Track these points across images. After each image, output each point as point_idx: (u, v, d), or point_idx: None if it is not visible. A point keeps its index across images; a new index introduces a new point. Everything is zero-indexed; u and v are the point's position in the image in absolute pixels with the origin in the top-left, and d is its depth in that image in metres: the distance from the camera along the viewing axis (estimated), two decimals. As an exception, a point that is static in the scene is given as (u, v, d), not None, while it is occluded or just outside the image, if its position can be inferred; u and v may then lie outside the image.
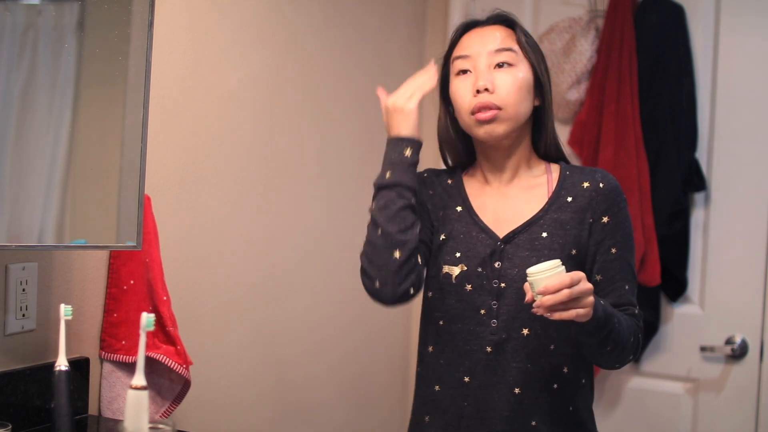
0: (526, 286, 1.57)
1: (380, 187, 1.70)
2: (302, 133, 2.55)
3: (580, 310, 1.54)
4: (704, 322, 2.76)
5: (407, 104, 1.72)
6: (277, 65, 2.43)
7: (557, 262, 1.55)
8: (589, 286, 1.56)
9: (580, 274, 1.55)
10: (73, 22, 1.72)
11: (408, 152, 1.70)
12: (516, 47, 1.75)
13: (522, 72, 1.74)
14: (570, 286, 1.52)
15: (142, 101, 1.77)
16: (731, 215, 2.72)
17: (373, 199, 1.71)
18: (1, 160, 1.64)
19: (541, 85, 1.76)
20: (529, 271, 1.56)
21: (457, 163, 1.87)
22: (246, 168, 2.35)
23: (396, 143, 1.71)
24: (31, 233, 1.70)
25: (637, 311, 1.75)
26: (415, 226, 1.68)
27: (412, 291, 1.68)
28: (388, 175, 1.70)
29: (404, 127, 1.71)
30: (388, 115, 1.74)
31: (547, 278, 1.53)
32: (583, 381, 1.79)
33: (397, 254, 1.65)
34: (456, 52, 1.79)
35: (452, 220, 1.77)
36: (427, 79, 1.76)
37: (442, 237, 1.76)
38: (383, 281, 1.66)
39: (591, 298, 1.56)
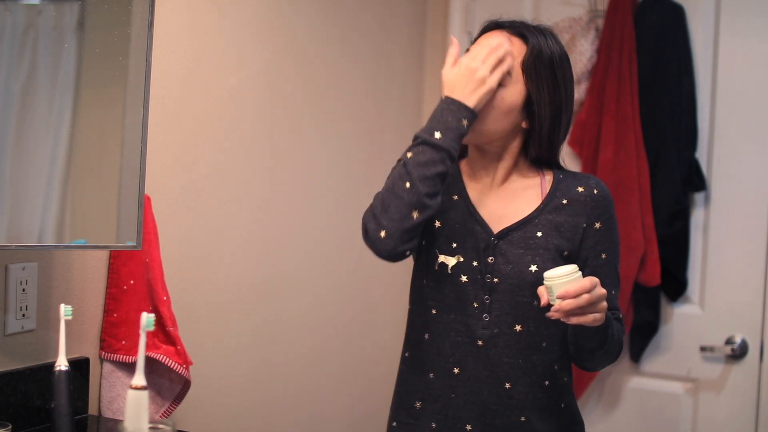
0: (542, 289, 1.60)
1: (425, 143, 1.64)
2: (302, 133, 2.55)
3: (596, 315, 1.58)
4: (704, 322, 2.76)
5: (490, 78, 1.66)
6: (276, 65, 2.43)
7: (574, 267, 1.58)
8: (604, 291, 1.59)
9: (595, 280, 1.57)
10: (73, 22, 1.72)
11: (465, 122, 1.64)
12: (514, 66, 1.71)
13: (508, 93, 1.70)
14: (589, 291, 1.55)
15: (142, 101, 1.77)
16: (731, 215, 2.72)
17: (411, 149, 1.65)
18: (1, 160, 1.64)
19: (534, 110, 1.71)
20: (547, 275, 1.58)
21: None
22: (246, 168, 2.35)
23: (458, 108, 1.65)
24: (31, 233, 1.70)
25: (620, 315, 1.80)
26: (440, 194, 1.65)
27: (408, 253, 1.67)
28: (438, 135, 1.63)
29: (474, 98, 1.65)
30: (462, 77, 1.66)
31: (566, 283, 1.55)
32: (566, 379, 1.81)
33: (415, 215, 1.61)
34: (471, 46, 1.79)
35: (448, 208, 1.77)
36: (506, 54, 1.69)
37: (437, 224, 1.76)
38: (390, 233, 1.62)
39: (605, 303, 1.59)
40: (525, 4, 3.00)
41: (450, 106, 1.66)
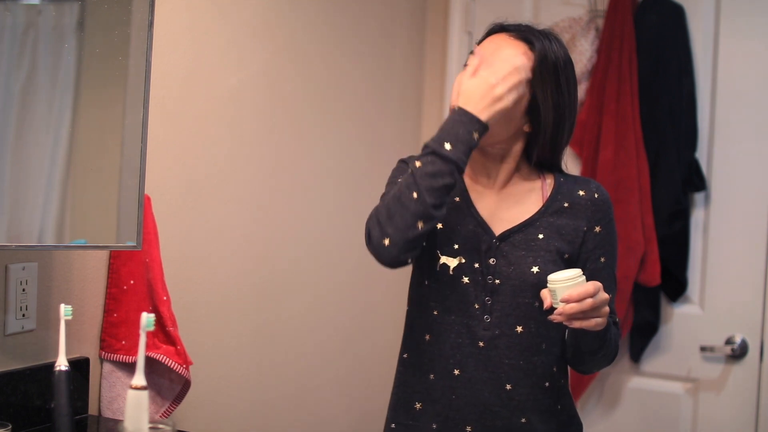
0: (545, 292, 1.60)
1: (434, 153, 1.63)
2: (302, 133, 2.55)
3: (598, 319, 1.59)
4: (704, 322, 2.76)
5: (507, 97, 1.65)
6: (276, 65, 2.43)
7: (578, 271, 1.58)
8: (607, 296, 1.60)
9: (598, 284, 1.58)
10: (73, 22, 1.72)
11: (476, 136, 1.63)
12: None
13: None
14: (592, 295, 1.56)
15: (142, 101, 1.77)
16: (731, 215, 2.72)
17: (420, 158, 1.64)
18: (1, 160, 1.64)
19: (538, 114, 1.72)
20: (551, 278, 1.58)
21: None
22: (246, 168, 2.35)
23: (470, 121, 1.63)
24: (31, 233, 1.70)
25: (617, 319, 1.82)
26: (446, 206, 1.65)
27: (410, 261, 1.67)
28: (449, 147, 1.62)
29: (488, 113, 1.64)
30: (480, 89, 1.65)
31: (570, 287, 1.56)
32: (563, 381, 1.83)
33: (420, 225, 1.61)
34: (475, 47, 1.78)
35: (449, 210, 1.77)
36: (525, 78, 1.69)
37: (439, 225, 1.76)
38: (394, 242, 1.62)
39: (607, 308, 1.61)
40: (525, 4, 3.00)
41: (462, 118, 1.64)
